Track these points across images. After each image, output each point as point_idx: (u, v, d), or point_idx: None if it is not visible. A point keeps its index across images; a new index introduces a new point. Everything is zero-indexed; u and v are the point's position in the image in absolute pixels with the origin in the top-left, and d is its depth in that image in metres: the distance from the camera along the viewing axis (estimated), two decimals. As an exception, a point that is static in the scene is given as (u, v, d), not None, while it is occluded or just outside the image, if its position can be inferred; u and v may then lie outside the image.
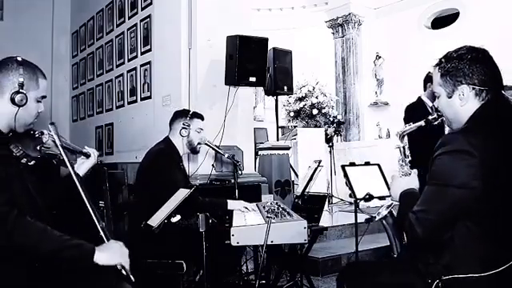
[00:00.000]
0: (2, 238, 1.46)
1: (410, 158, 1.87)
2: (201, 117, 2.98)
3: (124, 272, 1.60)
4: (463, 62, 1.55)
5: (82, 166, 1.98)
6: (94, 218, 1.65)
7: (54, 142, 1.72)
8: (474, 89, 1.54)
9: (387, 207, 1.80)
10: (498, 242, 1.46)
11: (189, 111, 2.99)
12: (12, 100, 1.62)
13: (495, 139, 1.47)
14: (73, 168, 1.73)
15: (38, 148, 1.71)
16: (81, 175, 1.93)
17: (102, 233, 1.66)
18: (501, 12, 8.03)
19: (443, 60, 1.61)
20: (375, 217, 1.82)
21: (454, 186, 1.43)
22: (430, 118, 1.80)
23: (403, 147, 1.88)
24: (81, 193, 1.67)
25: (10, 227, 1.46)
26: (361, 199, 2.98)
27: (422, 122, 1.87)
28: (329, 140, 7.13)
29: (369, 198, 2.87)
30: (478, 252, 1.46)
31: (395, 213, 1.75)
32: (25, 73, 1.66)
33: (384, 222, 1.80)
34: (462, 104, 1.56)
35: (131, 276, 1.61)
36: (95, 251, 1.56)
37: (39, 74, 1.73)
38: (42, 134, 1.73)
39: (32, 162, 1.67)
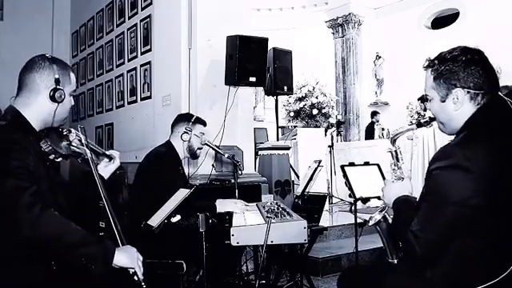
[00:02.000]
0: (26, 227, 1.44)
1: (402, 162, 1.79)
2: (203, 123, 2.98)
3: (136, 278, 1.59)
4: (458, 65, 1.46)
5: (107, 169, 1.93)
6: (112, 222, 1.64)
7: (80, 141, 1.72)
8: (468, 92, 1.46)
9: (380, 211, 1.72)
10: (494, 258, 1.40)
11: (192, 116, 2.98)
12: (52, 97, 1.64)
13: (495, 147, 1.39)
14: (96, 169, 1.72)
15: (65, 145, 1.70)
16: (105, 178, 1.91)
17: (118, 236, 1.64)
18: (501, 12, 8.04)
19: (436, 62, 1.52)
20: (368, 221, 1.74)
21: (452, 203, 1.36)
22: (422, 121, 1.73)
23: (395, 151, 1.79)
24: (102, 195, 1.66)
25: (36, 217, 1.45)
26: (360, 199, 2.98)
27: (413, 126, 1.80)
28: (326, 130, 7.16)
29: (364, 200, 2.85)
30: (475, 267, 1.41)
31: (389, 217, 1.69)
32: (58, 69, 1.67)
33: (377, 227, 1.72)
34: (456, 108, 1.48)
35: (143, 284, 1.59)
36: (116, 251, 1.56)
37: (69, 68, 1.76)
38: (70, 132, 1.73)
39: (59, 159, 1.67)
